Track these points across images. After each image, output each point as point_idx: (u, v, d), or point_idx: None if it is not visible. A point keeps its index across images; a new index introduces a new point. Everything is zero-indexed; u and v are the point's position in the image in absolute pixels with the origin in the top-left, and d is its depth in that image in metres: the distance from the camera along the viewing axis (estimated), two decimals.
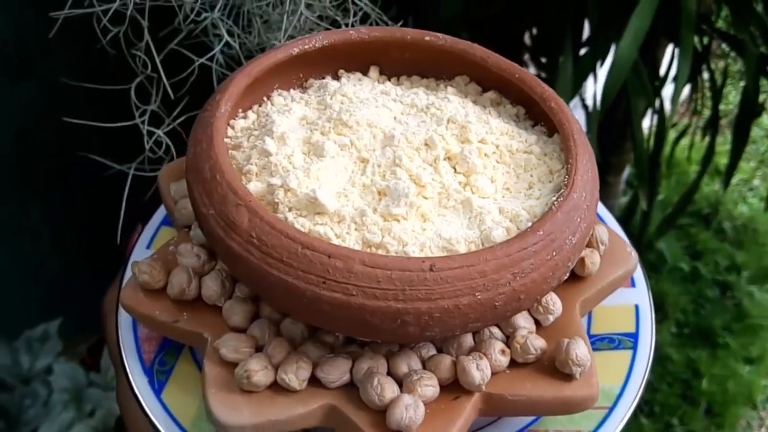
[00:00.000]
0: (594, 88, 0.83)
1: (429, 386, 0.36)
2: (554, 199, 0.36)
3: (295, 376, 0.36)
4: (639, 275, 0.46)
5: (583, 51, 0.84)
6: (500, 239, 0.35)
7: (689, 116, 1.10)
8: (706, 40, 0.88)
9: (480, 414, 0.37)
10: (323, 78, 0.45)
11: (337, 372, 0.36)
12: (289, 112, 0.42)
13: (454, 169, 0.39)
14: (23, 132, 0.69)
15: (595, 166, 0.39)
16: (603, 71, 0.77)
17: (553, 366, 0.38)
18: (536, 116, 0.44)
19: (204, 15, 0.54)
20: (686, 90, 1.02)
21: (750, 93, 0.82)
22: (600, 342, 0.43)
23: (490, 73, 0.44)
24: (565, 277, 0.40)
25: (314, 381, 0.37)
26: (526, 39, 0.94)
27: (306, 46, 0.43)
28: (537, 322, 0.40)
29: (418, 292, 0.33)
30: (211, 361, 0.37)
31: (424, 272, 0.33)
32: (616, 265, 0.43)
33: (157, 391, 0.40)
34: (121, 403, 0.43)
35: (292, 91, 0.45)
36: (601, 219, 0.47)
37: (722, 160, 1.00)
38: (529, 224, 0.36)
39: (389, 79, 0.46)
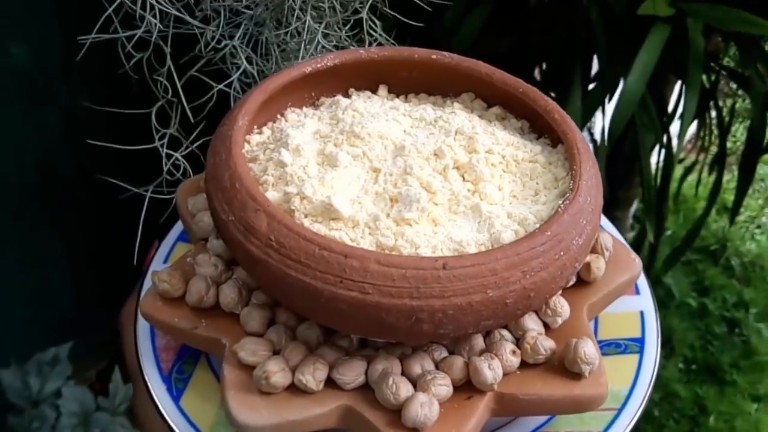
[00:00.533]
0: (602, 122, 0.85)
1: (443, 386, 0.37)
2: (560, 202, 0.38)
3: (312, 377, 0.37)
4: (643, 283, 0.47)
5: (591, 86, 0.85)
6: (509, 241, 0.37)
7: (697, 153, 1.11)
8: (713, 77, 0.89)
9: (493, 414, 0.38)
10: (334, 96, 0.47)
11: (352, 373, 0.38)
12: (303, 126, 0.43)
13: (463, 177, 0.41)
14: (42, 157, 0.70)
15: (599, 173, 0.41)
16: (611, 106, 0.78)
17: (563, 366, 0.39)
18: (540, 129, 0.45)
19: (224, 43, 0.57)
20: (694, 127, 1.04)
21: (756, 129, 0.83)
22: (607, 347, 0.44)
23: (495, 88, 0.46)
24: (573, 279, 0.42)
25: (330, 383, 0.38)
26: (536, 74, 0.96)
27: (318, 65, 0.45)
28: (546, 326, 0.41)
29: (431, 290, 0.34)
30: (229, 365, 0.38)
31: (437, 270, 0.34)
32: (621, 271, 0.44)
33: (176, 398, 0.41)
34: (138, 413, 0.44)
35: (304, 108, 0.47)
36: (605, 230, 0.48)
37: (730, 196, 1.00)
38: (537, 227, 0.37)
39: (397, 97, 0.48)
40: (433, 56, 0.46)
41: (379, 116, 0.43)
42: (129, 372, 0.46)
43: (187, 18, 0.56)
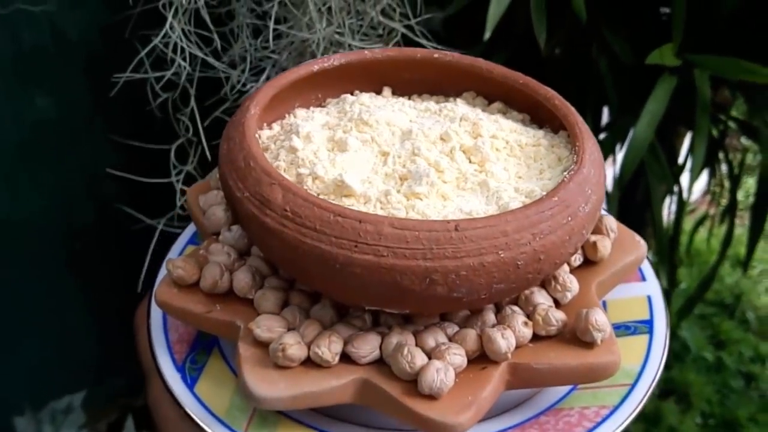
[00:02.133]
0: (614, 171, 0.86)
1: (457, 355, 0.37)
2: (565, 173, 0.39)
3: (328, 349, 0.37)
4: (648, 270, 0.48)
5: (602, 136, 0.87)
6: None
7: (708, 205, 1.12)
8: (722, 127, 0.91)
9: (507, 386, 0.39)
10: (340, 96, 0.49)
11: (367, 346, 0.38)
12: (312, 119, 0.45)
13: (469, 160, 0.42)
14: (57, 209, 0.71)
15: (600, 152, 0.42)
16: (621, 156, 0.79)
17: (575, 337, 0.39)
18: (541, 120, 0.47)
19: (249, 86, 0.61)
20: (705, 181, 1.05)
21: (766, 180, 0.83)
22: (617, 330, 0.44)
23: (496, 83, 0.47)
24: (580, 259, 0.43)
25: (345, 358, 0.38)
26: None
27: (325, 64, 0.47)
28: (556, 302, 0.42)
29: (444, 251, 0.35)
30: (245, 343, 0.39)
31: (449, 232, 0.35)
32: (627, 252, 0.45)
33: (191, 386, 0.41)
34: (152, 407, 0.44)
35: (311, 108, 0.48)
36: (608, 215, 0.49)
37: (743, 250, 1.01)
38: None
39: (401, 98, 0.50)
40: (435, 55, 0.48)
41: (385, 107, 0.45)
42: (143, 369, 0.46)
43: (214, 62, 0.60)
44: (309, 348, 0.38)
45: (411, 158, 0.41)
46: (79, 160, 0.70)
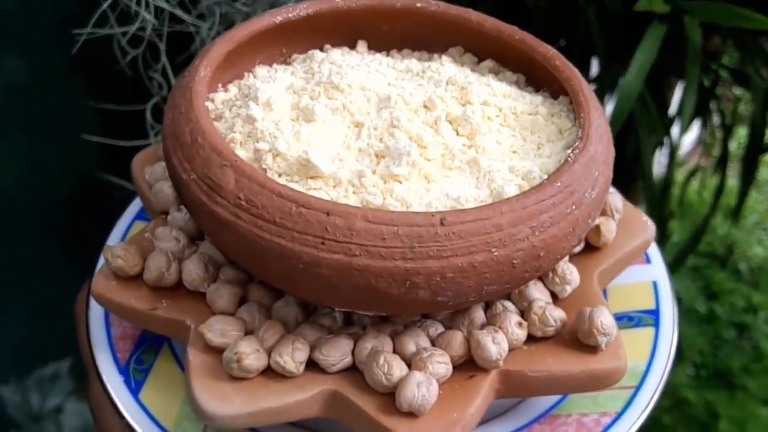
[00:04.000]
0: None
1: (441, 363, 0.32)
2: (569, 152, 0.33)
3: (291, 358, 0.32)
4: (654, 251, 0.43)
5: (591, 87, 0.84)
6: (513, 195, 0.32)
7: (700, 157, 1.10)
8: (713, 76, 0.88)
9: (498, 395, 0.34)
10: (308, 52, 0.42)
11: (338, 353, 0.33)
12: (274, 81, 0.38)
13: (457, 132, 0.36)
14: (38, 176, 0.69)
15: (608, 123, 0.36)
16: (610, 108, 0.77)
17: (575, 338, 0.34)
18: (538, 82, 0.41)
19: None
20: (697, 132, 1.03)
21: (757, 128, 0.81)
22: (619, 321, 0.39)
23: (488, 38, 0.41)
24: (582, 243, 0.37)
25: (312, 366, 0.33)
26: None
27: (290, 15, 0.40)
28: (553, 295, 0.37)
29: (428, 249, 0.29)
30: (195, 348, 0.33)
31: (434, 227, 0.29)
32: (633, 235, 0.40)
33: (135, 392, 0.36)
34: (93, 411, 0.38)
35: (275, 65, 0.42)
36: (614, 192, 0.44)
37: (736, 201, 1.00)
38: (544, 178, 0.33)
39: (378, 53, 0.43)
40: (418, 4, 0.42)
41: (359, 67, 0.38)
42: (84, 365, 0.40)
43: (182, 15, 0.55)
44: (269, 355, 0.32)
45: (389, 130, 0.35)
46: (54, 126, 0.67)
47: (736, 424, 1.08)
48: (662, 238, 0.91)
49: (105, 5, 0.52)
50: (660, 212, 0.90)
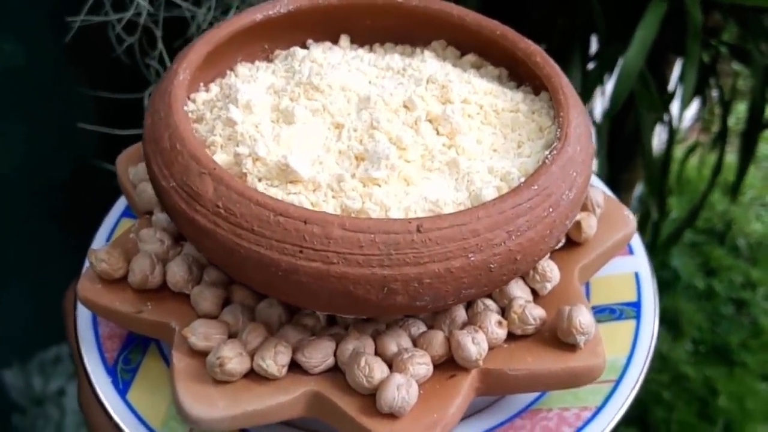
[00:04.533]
0: (603, 104, 0.83)
1: (422, 364, 0.33)
2: (547, 153, 0.33)
3: (274, 361, 0.32)
4: (637, 242, 0.43)
5: (590, 66, 0.83)
6: (491, 198, 0.32)
7: (699, 133, 1.10)
8: (713, 53, 0.88)
9: (478, 393, 0.34)
10: (290, 49, 0.42)
11: (319, 355, 0.33)
12: (255, 81, 0.38)
13: (437, 131, 0.36)
14: (37, 160, 0.69)
15: (589, 121, 0.37)
16: (610, 87, 0.77)
17: (555, 337, 0.34)
18: (520, 77, 0.41)
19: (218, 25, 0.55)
20: (697, 107, 1.02)
21: (756, 104, 0.81)
22: (600, 314, 0.40)
23: (470, 32, 0.41)
24: (563, 239, 0.38)
25: (295, 367, 0.33)
26: None
27: (271, 12, 0.40)
28: (534, 292, 0.37)
29: (405, 256, 0.29)
30: (179, 352, 0.34)
31: (410, 234, 0.29)
32: (614, 229, 0.40)
33: (122, 392, 0.36)
34: (83, 409, 0.39)
35: (257, 62, 0.42)
36: (595, 186, 0.44)
37: (734, 177, 1.00)
38: (522, 181, 0.33)
39: (361, 48, 0.43)
40: (399, 0, 0.42)
41: (340, 66, 0.38)
42: (74, 360, 0.41)
43: (178, 0, 0.55)
44: (253, 358, 0.33)
45: (369, 132, 0.35)
46: (51, 112, 0.68)
47: (735, 399, 1.09)
48: (661, 215, 0.92)
49: None
50: (659, 188, 0.90)
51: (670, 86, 0.92)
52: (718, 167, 0.92)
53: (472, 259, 0.30)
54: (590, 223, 0.38)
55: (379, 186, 0.33)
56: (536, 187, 0.31)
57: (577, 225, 0.38)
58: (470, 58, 0.42)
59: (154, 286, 0.36)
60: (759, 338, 1.18)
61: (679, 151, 1.07)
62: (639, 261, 0.42)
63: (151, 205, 0.39)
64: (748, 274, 1.28)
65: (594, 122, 0.97)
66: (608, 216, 0.40)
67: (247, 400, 0.32)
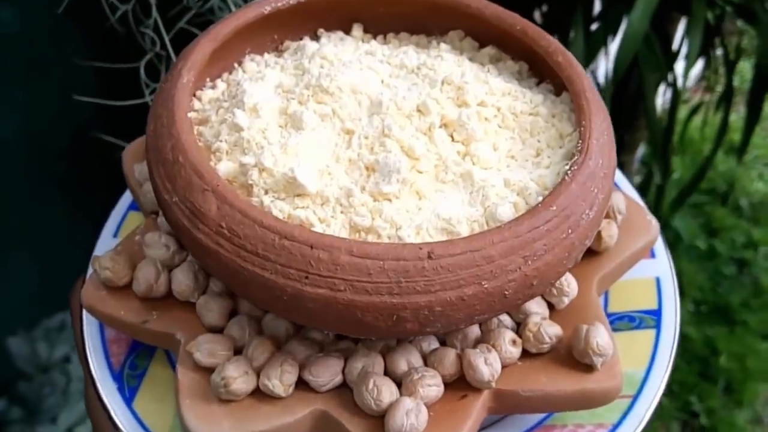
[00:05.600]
0: (606, 65, 0.80)
1: (432, 386, 0.32)
2: (567, 167, 0.32)
3: (280, 381, 0.32)
4: (659, 245, 0.41)
5: (594, 27, 0.81)
6: (507, 216, 0.31)
7: (702, 93, 1.07)
8: (718, 12, 0.85)
9: (491, 412, 0.33)
10: (301, 39, 0.40)
11: (327, 373, 0.32)
12: (263, 79, 0.37)
13: (452, 137, 0.35)
14: (36, 126, 0.68)
15: (611, 127, 0.35)
16: (614, 48, 0.75)
17: (571, 355, 0.33)
18: (541, 72, 0.39)
19: None
20: (700, 68, 1.00)
21: (762, 64, 0.79)
22: (619, 321, 0.39)
23: (488, 25, 0.39)
24: (579, 259, 0.36)
25: (302, 384, 0.33)
26: (536, 16, 0.90)
27: (279, 4, 0.38)
28: (550, 305, 0.36)
29: (415, 284, 0.28)
30: (184, 367, 0.33)
31: (421, 260, 0.28)
32: (635, 237, 0.38)
33: (128, 400, 0.36)
34: (90, 414, 0.39)
35: (266, 55, 0.40)
36: (616, 186, 0.42)
37: (737, 136, 0.97)
38: (540, 198, 0.31)
39: (374, 38, 0.41)
40: None
41: (351, 65, 0.36)
42: (82, 367, 0.40)
43: None
44: (259, 375, 0.32)
45: (380, 140, 0.33)
46: (48, 80, 0.67)
47: (736, 359, 1.10)
48: (664, 178, 0.91)
49: None
50: (663, 151, 0.89)
51: (675, 45, 0.90)
52: (723, 128, 0.90)
53: (486, 286, 0.29)
54: (611, 232, 0.37)
55: (390, 201, 0.32)
56: (554, 208, 0.30)
57: (598, 234, 0.37)
58: (489, 50, 0.40)
59: (159, 295, 0.35)
60: (760, 298, 1.17)
61: (682, 112, 1.05)
62: (661, 265, 0.41)
63: (157, 206, 0.38)
64: (750, 234, 1.27)
65: (597, 84, 0.94)
66: (630, 222, 0.38)
67: (253, 420, 0.31)
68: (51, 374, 0.79)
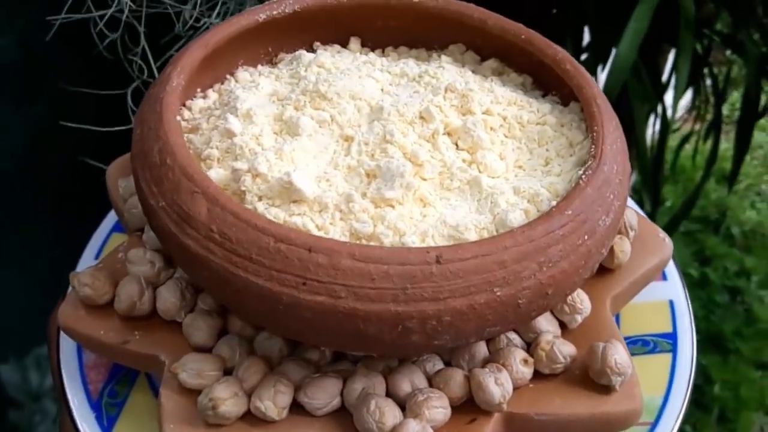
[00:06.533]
0: None
1: (438, 408, 0.29)
2: (581, 172, 0.30)
3: (273, 403, 0.29)
4: (671, 267, 0.40)
5: (583, 57, 0.82)
6: (518, 223, 0.29)
7: (693, 122, 1.08)
8: (706, 43, 0.86)
9: None
10: (295, 51, 0.39)
11: (324, 395, 0.30)
12: (257, 87, 0.35)
13: (456, 145, 0.33)
14: (30, 150, 0.68)
15: (623, 136, 0.33)
16: (603, 77, 0.75)
17: (586, 376, 0.31)
18: (546, 85, 0.37)
19: (203, 21, 0.54)
20: (690, 97, 1.01)
21: (751, 93, 0.80)
22: (632, 346, 0.37)
23: (491, 37, 0.37)
24: (596, 269, 0.34)
25: (297, 408, 0.30)
26: None
27: (274, 12, 0.37)
28: (562, 325, 0.33)
29: (422, 291, 0.26)
30: (168, 390, 0.30)
31: (429, 265, 0.26)
32: (649, 254, 0.36)
33: (107, 429, 0.33)
34: None
35: (260, 66, 0.38)
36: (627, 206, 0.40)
37: (729, 165, 0.98)
38: (552, 203, 0.29)
39: (372, 51, 0.40)
40: None
41: (350, 72, 0.35)
42: (56, 395, 0.38)
43: None
44: (250, 396, 0.30)
45: (381, 146, 0.31)
46: (39, 106, 0.66)
47: (730, 387, 1.08)
48: (654, 206, 0.90)
49: None
50: (653, 180, 0.89)
51: (664, 76, 0.91)
52: (712, 156, 0.91)
53: (498, 294, 0.27)
54: (623, 248, 0.35)
55: (393, 207, 0.30)
56: (570, 212, 0.28)
57: (611, 251, 0.35)
58: (491, 63, 0.38)
59: (142, 314, 0.33)
60: (753, 326, 1.16)
61: (674, 140, 1.06)
62: (674, 288, 0.39)
63: (143, 222, 0.36)
64: (743, 262, 1.26)
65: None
66: (642, 239, 0.37)
67: None
68: (42, 402, 0.77)
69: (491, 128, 0.34)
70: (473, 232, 0.29)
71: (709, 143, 0.91)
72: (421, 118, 0.33)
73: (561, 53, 0.35)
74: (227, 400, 0.29)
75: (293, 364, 0.31)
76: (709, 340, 1.15)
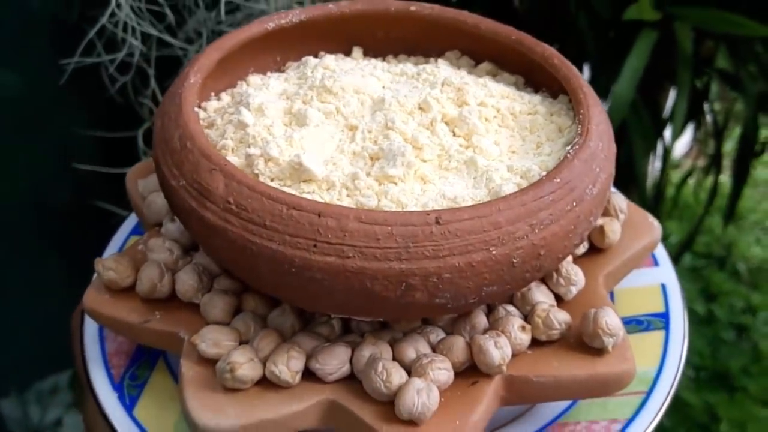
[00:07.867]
0: None
1: (442, 369, 0.31)
2: (569, 148, 0.32)
3: (287, 367, 0.31)
4: (662, 253, 0.42)
5: None
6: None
7: (694, 157, 1.10)
8: (706, 80, 0.88)
9: (503, 402, 0.33)
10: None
11: (335, 361, 0.32)
12: (267, 87, 0.38)
13: (453, 132, 0.35)
14: (36, 187, 0.69)
15: (609, 121, 0.35)
16: None
17: (581, 342, 0.33)
18: (537, 83, 0.40)
19: None
20: (691, 132, 1.03)
21: (749, 130, 0.82)
22: (627, 325, 0.38)
23: (484, 40, 0.40)
24: (585, 246, 0.36)
25: (309, 376, 0.32)
26: None
27: (282, 21, 0.40)
28: (558, 298, 0.35)
29: (423, 249, 0.28)
30: (188, 360, 0.32)
31: (429, 226, 0.28)
32: (639, 236, 0.38)
33: (129, 407, 0.35)
34: (87, 426, 0.37)
35: (269, 73, 0.41)
36: (617, 192, 0.42)
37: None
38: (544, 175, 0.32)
39: (374, 59, 0.43)
40: (412, 8, 0.41)
41: (353, 71, 0.38)
42: (80, 380, 0.39)
43: (170, 39, 0.55)
44: (265, 365, 0.31)
45: (383, 133, 0.34)
46: (48, 146, 0.68)
47: (737, 425, 1.06)
48: None
49: (91, 33, 0.53)
50: (654, 215, 0.90)
51: (666, 112, 0.92)
52: (713, 192, 0.92)
53: (494, 252, 0.29)
54: (613, 228, 0.37)
55: (395, 184, 0.32)
56: (558, 180, 0.30)
57: (601, 230, 0.37)
58: (485, 66, 0.41)
59: (162, 296, 0.35)
60: (760, 363, 1.15)
61: (677, 175, 1.07)
62: (665, 272, 0.41)
63: (160, 216, 0.38)
64: (749, 299, 1.25)
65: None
66: (632, 223, 0.39)
67: (259, 408, 0.30)
68: None
69: (486, 119, 0.36)
70: (470, 203, 0.31)
71: (711, 179, 0.93)
72: (420, 108, 0.35)
73: (549, 50, 0.38)
74: (244, 364, 0.31)
75: (305, 336, 0.33)
76: (715, 378, 1.14)
